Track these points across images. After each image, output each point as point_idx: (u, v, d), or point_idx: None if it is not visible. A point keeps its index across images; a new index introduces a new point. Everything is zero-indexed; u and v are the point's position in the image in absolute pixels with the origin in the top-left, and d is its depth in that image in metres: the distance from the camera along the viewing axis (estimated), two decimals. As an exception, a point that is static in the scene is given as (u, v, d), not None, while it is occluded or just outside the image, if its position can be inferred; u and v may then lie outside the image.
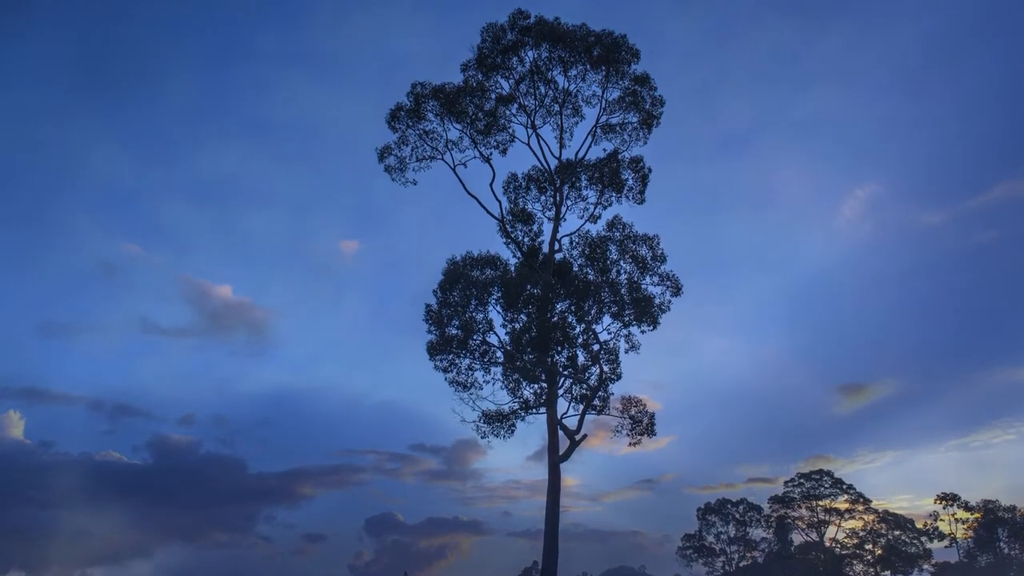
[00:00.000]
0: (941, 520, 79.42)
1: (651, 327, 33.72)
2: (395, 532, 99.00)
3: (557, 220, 34.57)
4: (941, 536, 78.62)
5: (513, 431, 33.90)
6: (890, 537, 78.00)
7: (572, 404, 33.28)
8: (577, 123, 34.93)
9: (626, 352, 33.91)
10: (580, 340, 34.02)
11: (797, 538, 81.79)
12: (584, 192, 35.13)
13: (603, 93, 34.28)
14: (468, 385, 34.23)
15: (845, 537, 79.88)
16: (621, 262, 34.11)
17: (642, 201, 35.13)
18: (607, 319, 33.94)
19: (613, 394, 33.79)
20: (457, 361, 34.31)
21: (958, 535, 79.15)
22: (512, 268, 34.66)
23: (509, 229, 34.61)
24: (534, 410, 33.48)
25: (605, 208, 35.03)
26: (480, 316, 34.10)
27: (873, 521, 79.19)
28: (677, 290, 33.96)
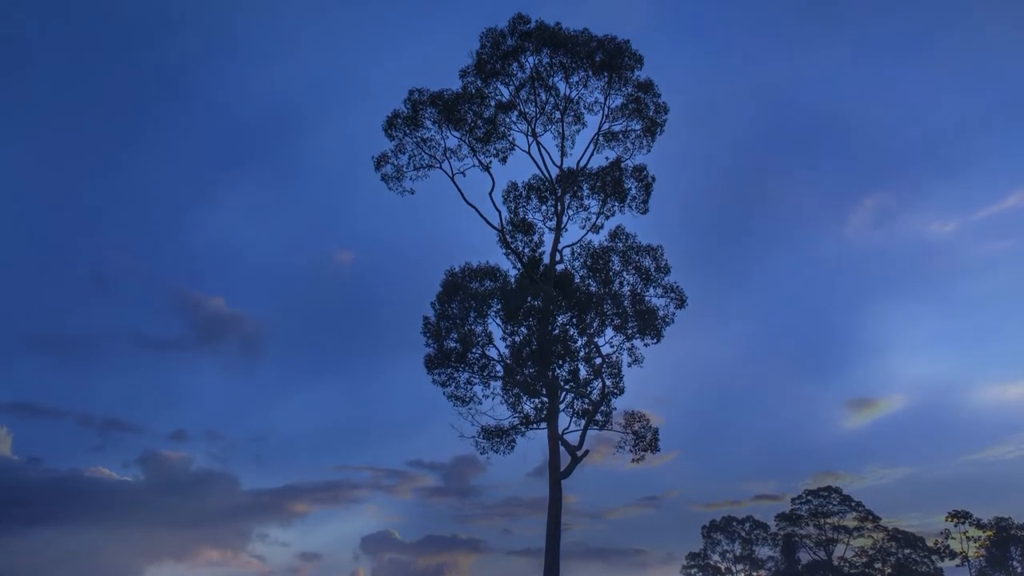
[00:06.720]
0: (952, 538, 78.15)
1: (655, 340, 33.05)
2: (392, 550, 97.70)
3: (558, 230, 33.81)
4: (952, 554, 77.32)
5: (513, 447, 33.06)
6: (900, 556, 76.79)
7: (574, 419, 32.34)
8: (579, 131, 34.31)
9: (629, 366, 33.16)
10: (582, 353, 33.10)
11: (804, 556, 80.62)
12: (586, 201, 34.46)
13: (605, 100, 33.68)
14: (467, 400, 33.29)
15: (854, 555, 78.88)
16: (624, 273, 33.41)
17: (645, 211, 34.42)
18: (609, 332, 33.21)
19: (616, 409, 32.88)
20: (456, 375, 33.39)
21: (970, 553, 77.67)
22: (512, 279, 33.80)
23: (509, 239, 33.82)
24: (535, 425, 32.54)
25: (608, 218, 34.37)
26: (479, 329, 33.18)
27: (883, 539, 78.18)
28: (681, 302, 33.25)
